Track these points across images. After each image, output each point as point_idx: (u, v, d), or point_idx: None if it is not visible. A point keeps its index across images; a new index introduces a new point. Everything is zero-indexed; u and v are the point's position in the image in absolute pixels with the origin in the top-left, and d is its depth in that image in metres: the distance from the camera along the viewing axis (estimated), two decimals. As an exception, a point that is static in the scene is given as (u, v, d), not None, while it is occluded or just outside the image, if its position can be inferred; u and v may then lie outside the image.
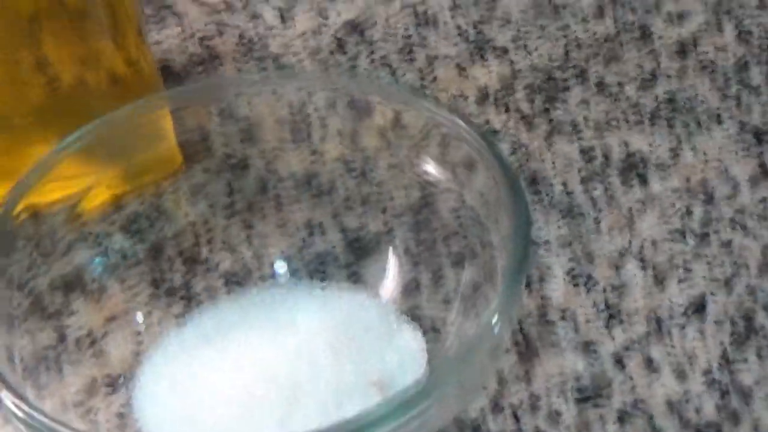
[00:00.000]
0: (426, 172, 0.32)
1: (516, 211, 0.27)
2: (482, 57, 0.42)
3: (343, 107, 0.33)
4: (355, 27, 0.44)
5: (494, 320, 0.25)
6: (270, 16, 0.45)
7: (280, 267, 0.33)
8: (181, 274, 0.33)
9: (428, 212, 0.33)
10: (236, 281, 0.33)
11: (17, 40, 0.33)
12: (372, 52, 0.43)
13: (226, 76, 0.42)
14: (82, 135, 0.31)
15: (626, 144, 0.38)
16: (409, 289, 0.32)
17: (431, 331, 0.31)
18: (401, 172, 0.33)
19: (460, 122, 0.30)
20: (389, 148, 0.33)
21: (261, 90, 0.33)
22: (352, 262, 0.33)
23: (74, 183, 0.32)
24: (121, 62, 0.35)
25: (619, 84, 0.41)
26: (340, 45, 0.43)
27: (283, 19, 0.45)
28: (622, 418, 0.30)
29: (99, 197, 0.33)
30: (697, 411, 0.30)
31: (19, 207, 0.30)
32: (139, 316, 0.32)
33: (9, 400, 0.25)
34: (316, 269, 0.33)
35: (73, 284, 0.32)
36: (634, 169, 0.37)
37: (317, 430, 0.23)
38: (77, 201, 0.33)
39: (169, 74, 0.42)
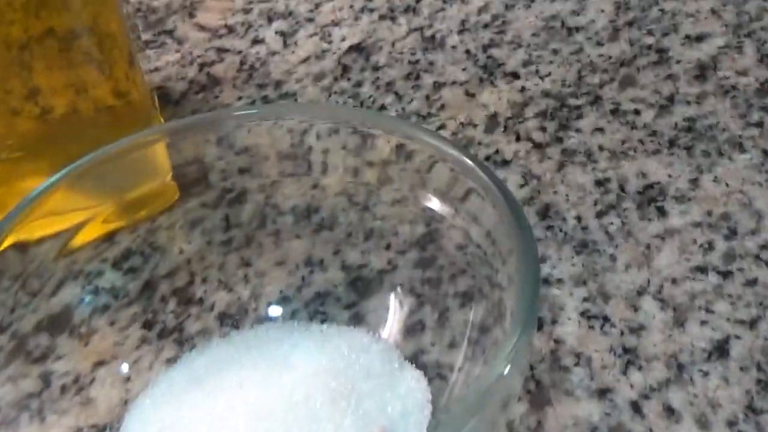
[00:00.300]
0: (430, 208, 0.31)
1: (523, 250, 0.26)
2: (492, 82, 0.41)
3: (345, 139, 0.31)
4: (360, 51, 0.43)
5: (506, 370, 0.24)
6: (272, 40, 0.44)
7: (278, 307, 0.32)
8: (174, 315, 0.32)
9: (433, 249, 0.31)
10: (232, 322, 0.32)
11: (9, 69, 0.32)
12: (377, 78, 0.42)
13: (225, 107, 0.41)
14: (73, 169, 0.30)
15: (643, 174, 0.37)
16: (414, 331, 0.30)
17: (437, 378, 0.29)
18: (405, 206, 0.31)
19: (465, 156, 0.29)
20: (393, 181, 0.31)
21: (261, 121, 0.32)
22: (354, 301, 0.32)
23: (64, 219, 0.31)
24: (109, 94, 0.34)
25: (636, 110, 0.39)
26: (345, 70, 0.42)
27: (285, 43, 0.44)
28: (641, 471, 0.28)
29: (91, 233, 0.32)
30: (722, 464, 0.28)
31: (5, 244, 0.29)
32: (129, 361, 0.30)
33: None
34: (315, 309, 0.32)
35: (60, 325, 0.30)
36: (652, 200, 0.36)
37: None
38: (68, 237, 0.31)
39: (168, 101, 0.41)
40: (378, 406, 0.28)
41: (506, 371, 0.23)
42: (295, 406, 0.27)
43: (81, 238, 0.32)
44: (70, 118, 0.34)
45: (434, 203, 0.31)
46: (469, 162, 0.29)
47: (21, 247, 0.29)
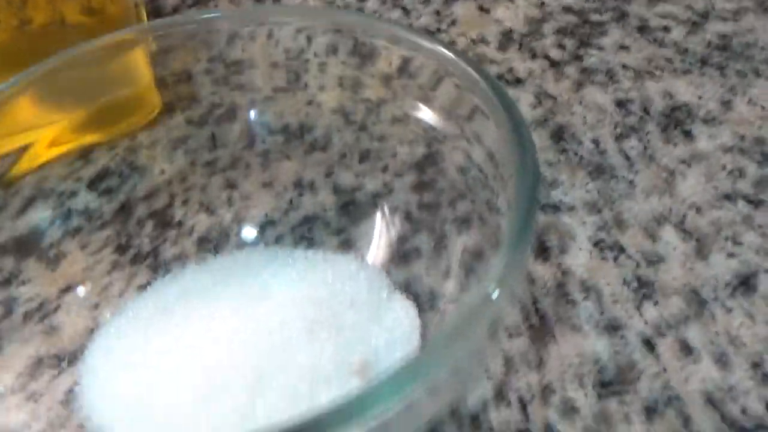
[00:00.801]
0: (433, 127, 0.28)
1: (521, 166, 0.23)
2: (508, -3, 0.38)
3: (345, 51, 0.29)
4: (367, -36, 0.40)
5: (493, 291, 0.21)
6: (274, -47, 0.41)
7: (262, 231, 0.29)
8: (150, 240, 0.30)
9: (433, 171, 0.29)
10: (211, 247, 0.29)
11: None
12: (384, -8, 0.39)
13: (215, 10, 0.38)
14: (35, 73, 0.28)
15: (670, 94, 0.34)
16: (407, 258, 0.28)
17: (429, 309, 0.26)
18: (406, 125, 0.29)
19: (472, 69, 0.26)
20: (394, 98, 0.29)
21: (255, 30, 0.30)
22: (344, 226, 0.29)
23: (28, 130, 0.29)
24: (81, 6, 0.32)
25: (665, 27, 0.36)
26: (350, -16, 0.39)
27: (288, -44, 0.41)
28: (650, 413, 0.25)
29: (60, 147, 0.30)
30: (743, 410, 0.25)
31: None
32: (98, 287, 0.28)
33: None
34: (302, 234, 0.29)
35: (27, 248, 0.28)
36: (679, 123, 0.33)
37: (281, 424, 0.19)
38: (33, 152, 0.29)
39: (158, 16, 0.38)
40: (361, 337, 0.25)
41: (494, 294, 0.21)
42: (269, 335, 0.25)
43: (50, 152, 0.30)
44: (48, 30, 0.32)
45: (437, 122, 0.28)
46: (476, 75, 0.26)
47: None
